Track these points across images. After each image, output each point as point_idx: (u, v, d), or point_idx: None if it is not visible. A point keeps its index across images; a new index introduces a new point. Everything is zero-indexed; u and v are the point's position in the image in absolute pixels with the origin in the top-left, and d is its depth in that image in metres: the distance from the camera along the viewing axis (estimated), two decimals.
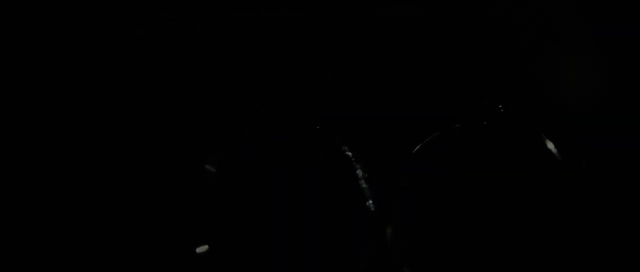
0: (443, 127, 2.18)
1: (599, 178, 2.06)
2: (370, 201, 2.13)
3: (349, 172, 2.19)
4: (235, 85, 2.35)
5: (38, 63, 2.29)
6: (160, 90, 2.32)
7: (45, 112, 2.25)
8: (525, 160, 2.08)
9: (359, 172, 2.18)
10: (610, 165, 2.10)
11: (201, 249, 2.05)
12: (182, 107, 2.32)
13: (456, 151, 2.14)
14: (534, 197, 2.03)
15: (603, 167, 2.07)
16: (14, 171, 2.17)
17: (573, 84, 2.16)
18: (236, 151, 2.23)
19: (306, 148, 2.25)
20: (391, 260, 2.06)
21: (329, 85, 2.36)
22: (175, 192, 2.18)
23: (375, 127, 2.29)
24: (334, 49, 2.38)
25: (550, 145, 2.06)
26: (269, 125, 2.30)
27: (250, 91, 2.35)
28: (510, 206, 2.03)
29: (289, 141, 2.26)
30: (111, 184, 2.18)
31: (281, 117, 2.31)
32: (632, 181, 2.10)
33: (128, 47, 2.34)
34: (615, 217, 2.03)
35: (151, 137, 2.26)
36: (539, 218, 2.01)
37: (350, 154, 2.22)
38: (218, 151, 2.22)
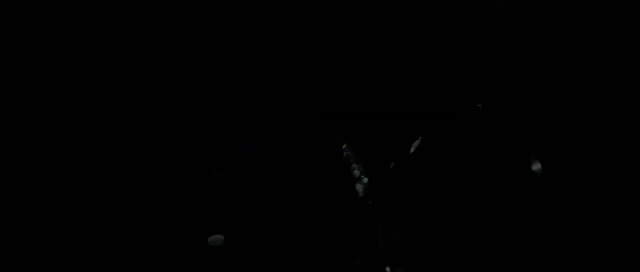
0: (441, 128, 2.18)
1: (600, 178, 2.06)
2: (369, 201, 2.13)
3: (348, 172, 2.19)
4: (235, 85, 2.35)
5: (38, 63, 2.29)
6: (160, 90, 2.32)
7: (45, 112, 2.25)
8: (518, 160, 2.08)
9: (357, 172, 2.18)
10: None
11: (214, 239, 2.05)
12: (182, 107, 2.32)
13: (452, 151, 2.14)
14: (526, 198, 2.03)
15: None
16: (14, 170, 2.17)
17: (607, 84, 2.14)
18: (236, 151, 2.23)
19: (306, 148, 2.25)
20: (388, 259, 2.06)
21: (329, 85, 2.36)
22: (175, 191, 2.18)
23: (374, 127, 2.29)
24: (334, 49, 2.38)
25: (540, 146, 2.07)
26: (269, 125, 2.30)
27: (250, 91, 2.35)
28: (505, 206, 2.03)
29: (289, 140, 2.26)
30: (111, 183, 2.18)
31: (281, 117, 2.31)
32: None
33: (128, 47, 2.34)
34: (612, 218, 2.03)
35: (151, 137, 2.26)
36: (531, 218, 2.01)
37: (349, 154, 2.22)
38: (218, 151, 2.22)
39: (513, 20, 2.30)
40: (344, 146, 2.21)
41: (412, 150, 2.14)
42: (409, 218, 2.10)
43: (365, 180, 2.17)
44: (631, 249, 1.96)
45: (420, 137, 2.15)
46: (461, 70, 2.31)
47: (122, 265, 2.09)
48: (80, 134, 2.24)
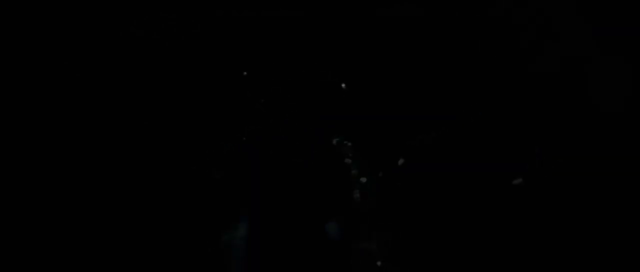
0: (441, 128, 2.18)
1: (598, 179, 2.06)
2: (367, 200, 2.13)
3: (348, 172, 2.19)
4: (235, 85, 2.36)
5: (38, 63, 2.29)
6: (160, 90, 2.32)
7: (45, 112, 2.25)
8: (518, 160, 2.08)
9: (356, 172, 2.18)
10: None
11: (233, 232, 2.05)
12: (182, 107, 2.32)
13: (451, 151, 2.14)
14: (526, 197, 2.03)
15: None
16: (14, 170, 2.17)
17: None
18: (236, 150, 2.23)
19: (306, 148, 2.25)
20: (386, 259, 2.06)
21: (329, 85, 2.36)
22: (175, 191, 2.18)
23: (374, 127, 2.29)
24: (334, 49, 2.38)
25: (540, 146, 2.07)
26: (269, 125, 2.30)
27: (250, 91, 2.35)
28: (504, 206, 2.03)
29: (289, 140, 2.26)
30: (111, 183, 2.18)
31: (281, 117, 2.31)
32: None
33: (128, 47, 2.34)
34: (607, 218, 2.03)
35: (151, 137, 2.26)
36: (530, 217, 2.01)
37: (349, 154, 2.22)
38: (218, 151, 2.22)
39: (513, 20, 2.30)
40: (345, 146, 2.21)
41: (400, 163, 2.15)
42: (408, 218, 2.10)
43: (365, 180, 2.17)
44: (631, 249, 1.96)
45: (402, 157, 2.16)
46: (461, 70, 2.31)
47: (121, 264, 2.09)
48: (81, 134, 2.24)
